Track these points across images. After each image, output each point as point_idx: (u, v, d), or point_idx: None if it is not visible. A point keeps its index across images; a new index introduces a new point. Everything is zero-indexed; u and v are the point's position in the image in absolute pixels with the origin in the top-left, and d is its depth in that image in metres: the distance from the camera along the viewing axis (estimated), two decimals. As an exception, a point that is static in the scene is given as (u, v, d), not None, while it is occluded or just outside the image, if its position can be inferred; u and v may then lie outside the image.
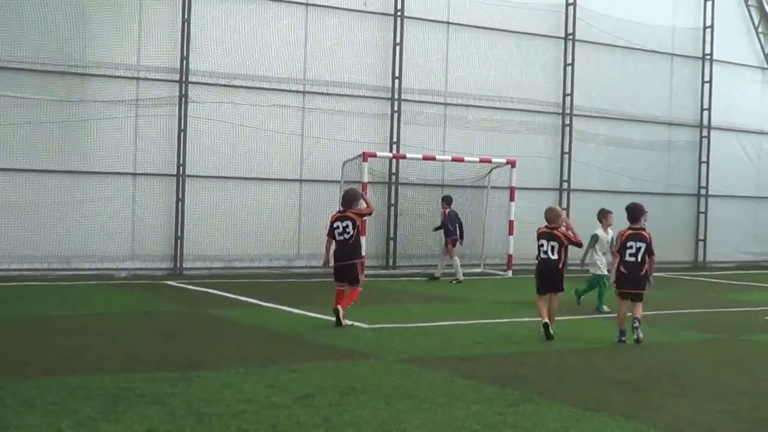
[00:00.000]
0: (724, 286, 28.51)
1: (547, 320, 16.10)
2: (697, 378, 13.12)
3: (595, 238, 20.40)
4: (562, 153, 32.98)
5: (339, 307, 16.74)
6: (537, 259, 16.60)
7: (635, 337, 15.87)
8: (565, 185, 32.95)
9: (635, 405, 11.01)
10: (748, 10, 37.90)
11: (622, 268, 16.21)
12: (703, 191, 36.62)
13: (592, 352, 15.19)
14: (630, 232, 16.23)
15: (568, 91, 32.85)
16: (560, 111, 32.91)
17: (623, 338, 16.06)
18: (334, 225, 17.09)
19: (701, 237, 36.57)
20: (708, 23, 36.38)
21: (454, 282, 26.01)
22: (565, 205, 32.33)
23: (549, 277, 16.34)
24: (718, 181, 36.81)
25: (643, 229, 16.31)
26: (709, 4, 36.32)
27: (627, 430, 9.77)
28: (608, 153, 34.07)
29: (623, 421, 10.13)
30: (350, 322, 16.92)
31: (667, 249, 33.54)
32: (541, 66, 32.62)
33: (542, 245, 16.34)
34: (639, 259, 16.03)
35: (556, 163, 32.97)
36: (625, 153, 34.49)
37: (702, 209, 36.54)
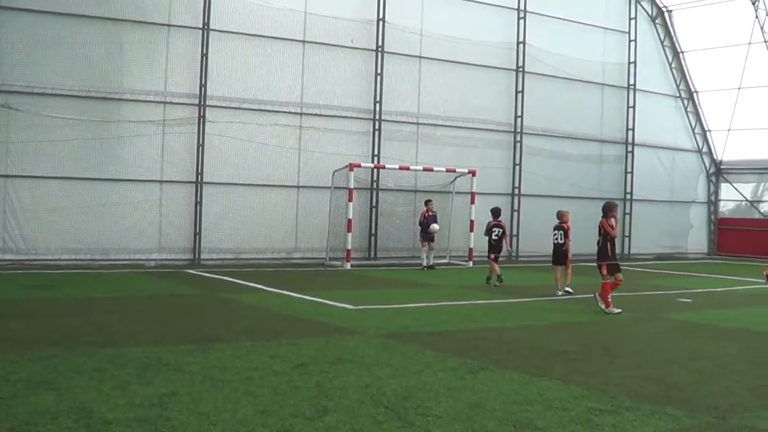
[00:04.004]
0: (646, 274, 28.54)
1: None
2: (623, 349, 13.21)
3: None
4: (514, 164, 33.01)
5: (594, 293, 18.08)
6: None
7: (498, 283, 22.34)
8: (517, 191, 32.95)
9: (573, 372, 11.04)
10: (664, 50, 38.14)
11: (493, 243, 22.79)
12: (628, 196, 36.77)
13: (537, 329, 15.20)
14: (494, 222, 22.95)
15: (519, 113, 32.92)
16: (512, 130, 32.95)
17: (490, 283, 22.58)
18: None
19: (627, 233, 36.62)
20: (632, 59, 36.63)
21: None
22: (516, 207, 32.60)
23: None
24: (640, 188, 37.07)
25: (501, 221, 23.26)
26: (632, 44, 36.55)
27: (566, 392, 9.76)
28: (552, 164, 34.10)
29: (562, 385, 10.16)
30: (618, 310, 17.43)
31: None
32: (497, 93, 32.63)
33: (554, 234, 21.10)
34: (499, 237, 22.80)
35: (509, 173, 32.97)
36: (565, 164, 34.54)
37: (627, 211, 36.62)
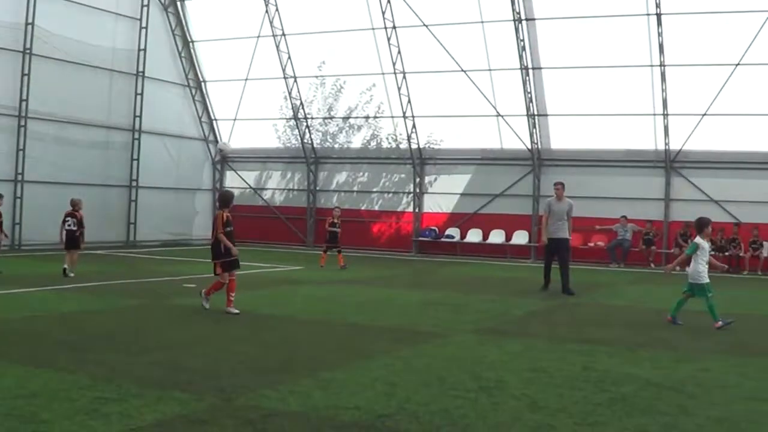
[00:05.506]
0: (153, 260, 30.38)
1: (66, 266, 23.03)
2: (130, 336, 13.73)
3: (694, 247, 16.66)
4: (18, 150, 33.42)
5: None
6: (63, 229, 23.33)
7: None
8: (20, 177, 33.41)
9: (78, 361, 11.31)
10: (174, 38, 40.72)
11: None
12: (134, 183, 38.74)
13: (41, 319, 15.32)
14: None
15: (25, 97, 33.33)
16: (17, 114, 33.33)
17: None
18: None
19: (132, 220, 38.63)
20: (142, 47, 38.61)
21: None
22: (19, 195, 33.12)
23: (73, 241, 23.33)
24: (147, 175, 39.08)
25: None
26: (143, 31, 38.60)
27: (71, 383, 9.96)
28: (58, 150, 34.88)
29: (68, 375, 10.34)
30: (236, 311, 16.74)
31: (104, 231, 35.51)
32: (2, 75, 32.78)
33: (67, 221, 23.33)
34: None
35: (12, 158, 33.30)
36: (72, 150, 35.47)
37: (133, 198, 38.61)
